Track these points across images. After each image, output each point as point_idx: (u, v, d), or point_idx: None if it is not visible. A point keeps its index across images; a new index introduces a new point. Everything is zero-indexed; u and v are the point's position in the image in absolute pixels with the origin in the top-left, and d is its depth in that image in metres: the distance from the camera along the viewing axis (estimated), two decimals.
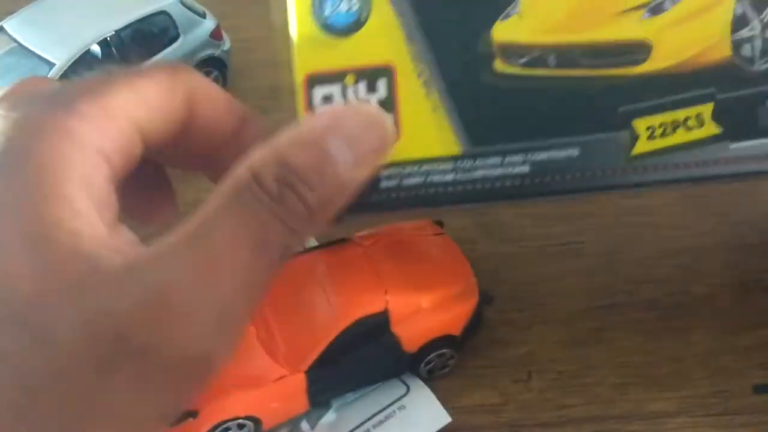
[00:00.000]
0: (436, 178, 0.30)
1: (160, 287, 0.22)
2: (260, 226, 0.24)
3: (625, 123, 0.30)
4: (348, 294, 0.33)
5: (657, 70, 0.29)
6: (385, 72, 0.30)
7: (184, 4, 0.44)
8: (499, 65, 0.30)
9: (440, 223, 0.38)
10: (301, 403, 0.34)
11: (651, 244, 0.39)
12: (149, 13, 0.44)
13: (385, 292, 0.33)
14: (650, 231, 0.44)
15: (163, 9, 0.44)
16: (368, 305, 0.33)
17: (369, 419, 0.34)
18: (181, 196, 0.33)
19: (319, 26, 0.30)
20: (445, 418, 0.35)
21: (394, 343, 0.34)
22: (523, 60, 0.30)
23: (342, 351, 0.33)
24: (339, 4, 0.30)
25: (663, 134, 0.30)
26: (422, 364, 0.35)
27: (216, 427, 0.32)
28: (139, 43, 0.44)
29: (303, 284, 0.34)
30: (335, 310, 0.33)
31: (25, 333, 0.21)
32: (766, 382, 0.35)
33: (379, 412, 0.34)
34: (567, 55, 0.30)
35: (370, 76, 0.30)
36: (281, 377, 0.33)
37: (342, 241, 0.36)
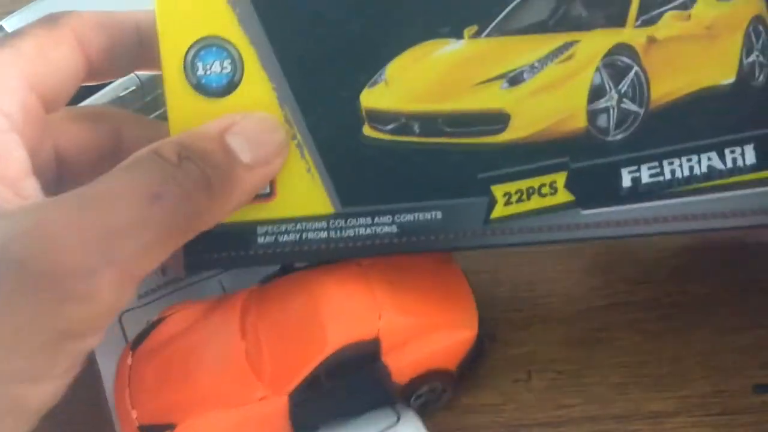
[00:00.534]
0: (311, 236, 0.32)
1: (43, 216, 0.25)
2: (153, 182, 0.26)
3: (484, 189, 0.31)
4: (339, 316, 0.32)
5: (515, 139, 0.31)
6: None
7: None
8: (368, 131, 0.31)
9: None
10: (283, 426, 0.32)
11: (650, 244, 0.40)
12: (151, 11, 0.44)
13: (379, 318, 0.31)
14: None
15: None
16: (359, 330, 0.31)
17: None
18: None
19: (191, 86, 0.31)
20: None
21: (384, 374, 0.32)
22: (389, 127, 0.31)
23: (328, 377, 0.31)
24: (212, 65, 0.31)
25: (519, 200, 0.31)
26: (413, 398, 0.34)
27: None
28: None
29: (297, 301, 0.33)
30: (324, 333, 0.31)
31: None
32: (765, 382, 0.36)
33: None
34: (431, 123, 0.31)
35: None
36: (264, 398, 0.31)
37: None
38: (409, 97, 0.31)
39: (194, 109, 0.32)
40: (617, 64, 0.30)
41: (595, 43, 0.30)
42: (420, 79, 0.31)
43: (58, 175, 0.33)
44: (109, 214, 0.25)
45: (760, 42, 0.30)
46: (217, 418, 0.31)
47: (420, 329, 0.33)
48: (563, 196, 0.31)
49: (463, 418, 0.36)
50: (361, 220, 0.32)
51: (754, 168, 0.30)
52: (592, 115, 0.30)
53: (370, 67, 0.31)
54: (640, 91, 0.30)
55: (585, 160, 0.31)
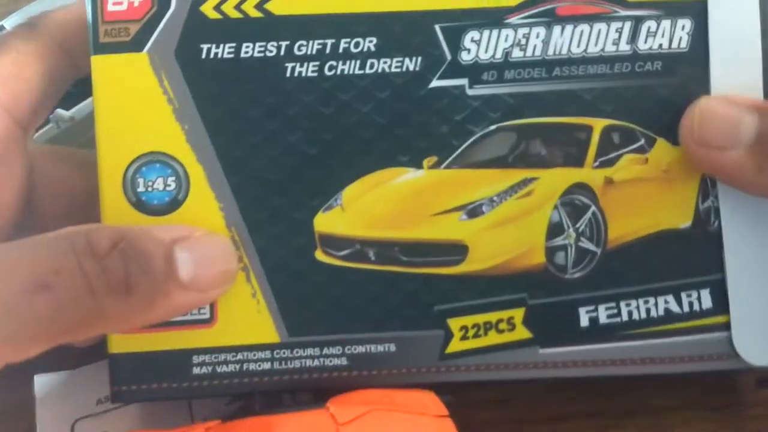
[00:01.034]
0: (253, 367, 0.30)
1: None
2: (44, 269, 0.24)
3: (440, 322, 0.30)
4: None
5: (472, 272, 0.30)
6: None
7: None
8: (320, 256, 0.30)
9: (448, 402, 0.29)
10: None
11: None
12: None
13: None
14: None
15: None
16: None
17: None
18: None
19: (130, 202, 0.29)
20: None
21: None
22: (343, 252, 0.30)
23: None
24: (154, 182, 0.29)
25: (476, 335, 0.30)
26: None
27: None
28: None
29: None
30: None
31: None
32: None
33: None
34: (386, 250, 0.30)
35: None
36: None
37: (310, 404, 0.28)
38: (365, 224, 0.30)
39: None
40: (575, 203, 0.30)
41: (553, 181, 0.30)
42: (377, 206, 0.30)
43: (28, 210, 0.31)
44: None
45: (716, 187, 0.30)
46: None
47: None
48: (521, 333, 0.30)
49: (470, 413, 0.33)
50: (309, 351, 0.30)
51: (711, 312, 0.30)
52: (550, 252, 0.30)
53: (325, 191, 0.30)
54: (597, 230, 0.30)
55: (543, 297, 0.30)
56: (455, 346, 0.30)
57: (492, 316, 0.30)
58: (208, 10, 0.29)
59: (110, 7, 0.29)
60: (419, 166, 0.30)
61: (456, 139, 0.30)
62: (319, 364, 0.30)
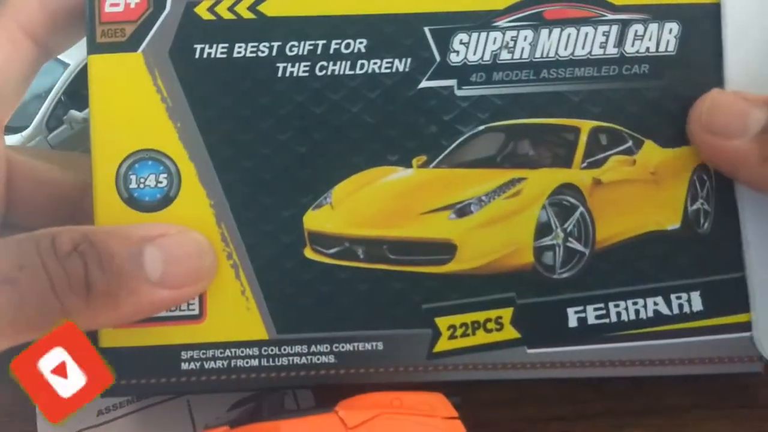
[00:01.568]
0: (241, 363, 0.30)
1: None
2: (11, 264, 0.24)
3: (429, 321, 0.30)
4: None
5: (461, 271, 0.30)
6: None
7: None
8: (309, 253, 0.30)
9: (457, 403, 0.28)
10: None
11: None
12: None
13: None
14: None
15: None
16: None
17: None
18: None
19: (122, 198, 0.30)
20: None
21: None
22: (332, 250, 0.30)
23: None
24: (146, 179, 0.30)
25: (464, 334, 0.30)
26: None
27: None
28: None
29: None
30: None
31: None
32: None
33: None
34: (375, 249, 0.30)
35: None
36: None
37: (320, 409, 0.27)
38: (355, 222, 0.30)
39: (123, 222, 0.30)
40: (563, 203, 0.30)
41: (541, 181, 0.30)
42: (366, 204, 0.30)
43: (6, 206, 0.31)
44: None
45: (705, 190, 0.30)
46: None
47: None
48: (509, 333, 0.30)
49: (482, 413, 0.34)
50: (297, 349, 0.30)
51: (701, 315, 0.30)
52: (539, 252, 0.30)
53: (315, 189, 0.30)
54: (585, 231, 0.30)
55: (531, 297, 0.30)
56: (443, 345, 0.30)
57: (480, 316, 0.30)
58: (202, 11, 0.30)
59: (107, 9, 0.30)
60: (408, 165, 0.30)
61: (445, 139, 0.30)
62: (307, 362, 0.30)
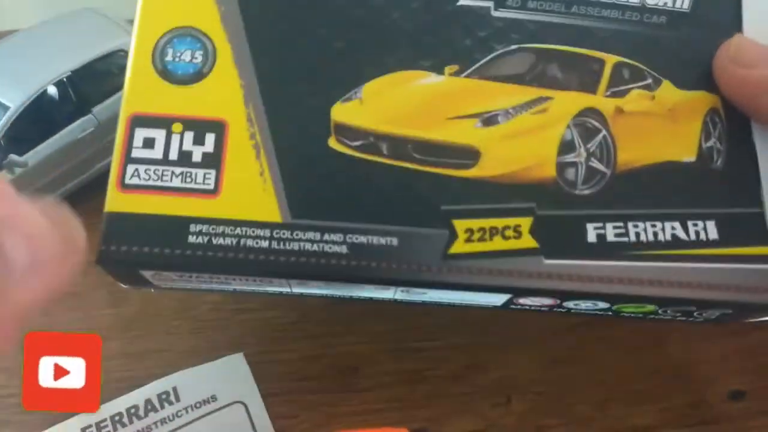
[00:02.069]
0: (250, 243, 0.28)
1: None
2: None
3: (446, 222, 0.29)
4: None
5: (483, 177, 0.30)
6: (217, 127, 0.29)
7: None
8: (333, 143, 0.30)
9: None
10: None
11: None
12: (107, 52, 0.41)
13: None
14: None
15: (121, 47, 0.41)
16: None
17: None
18: None
19: (156, 70, 0.30)
20: None
21: None
22: (357, 143, 0.30)
23: None
24: (182, 53, 0.30)
25: (481, 239, 0.29)
26: None
27: None
28: (96, 82, 0.42)
29: None
30: None
31: None
32: (740, 389, 0.36)
33: None
34: (400, 146, 0.30)
35: (200, 128, 0.29)
36: None
37: None
38: (382, 119, 0.30)
39: (153, 92, 0.30)
40: (587, 125, 0.31)
41: (567, 102, 0.31)
42: (395, 104, 0.30)
43: None
44: None
45: (717, 131, 0.31)
46: None
47: None
48: (527, 242, 0.29)
49: None
50: (309, 235, 0.29)
51: (717, 243, 0.30)
52: (561, 168, 0.30)
53: (346, 84, 0.30)
54: (607, 153, 0.31)
55: (551, 209, 0.30)
56: (459, 247, 0.29)
57: (498, 222, 0.29)
58: None
59: None
60: (441, 73, 0.31)
61: (478, 53, 0.31)
62: (318, 250, 0.29)
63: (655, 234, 0.30)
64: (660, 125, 0.31)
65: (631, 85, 0.32)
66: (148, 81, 0.30)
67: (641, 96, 0.31)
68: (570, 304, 0.31)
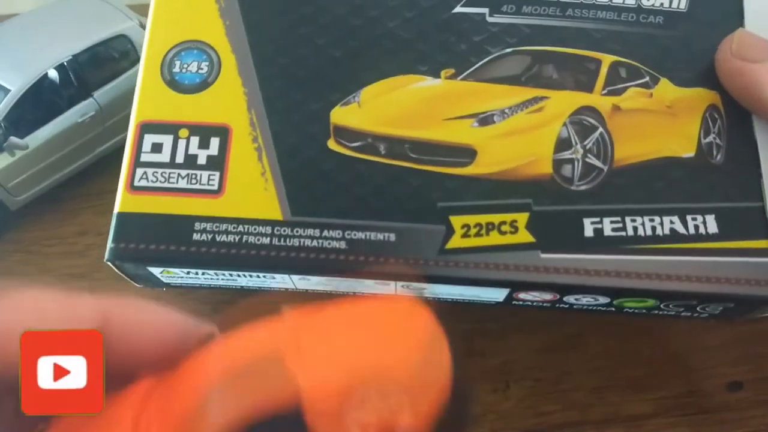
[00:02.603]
0: (252, 240, 0.29)
1: None
2: None
3: (443, 218, 0.30)
4: (241, 383, 0.21)
5: (479, 175, 0.30)
6: (221, 131, 0.31)
7: (143, 27, 0.42)
8: (332, 144, 0.31)
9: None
10: None
11: None
12: (108, 37, 0.41)
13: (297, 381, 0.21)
14: None
15: (122, 32, 0.41)
16: (269, 399, 0.21)
17: None
18: None
19: (164, 80, 0.31)
20: None
21: None
22: (355, 144, 0.31)
23: None
24: (189, 64, 0.32)
25: (477, 234, 0.30)
26: None
27: None
28: (97, 67, 0.42)
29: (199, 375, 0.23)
30: (224, 410, 0.21)
31: None
32: (738, 380, 0.36)
33: None
34: (397, 146, 0.31)
35: (205, 133, 0.31)
36: None
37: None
38: (380, 121, 0.31)
39: (161, 100, 0.31)
40: (583, 122, 0.31)
41: (563, 101, 0.31)
42: (393, 106, 0.31)
43: None
44: None
45: (716, 126, 0.31)
46: None
47: (361, 388, 0.21)
48: (523, 237, 0.30)
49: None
50: (309, 232, 0.30)
51: (716, 237, 0.30)
52: (557, 164, 0.31)
53: (345, 88, 0.31)
54: (604, 149, 0.31)
55: (548, 205, 0.30)
56: (456, 242, 0.29)
57: (495, 218, 0.30)
58: None
59: None
60: (437, 76, 0.32)
61: (473, 57, 0.32)
62: (318, 245, 0.29)
63: (653, 228, 0.30)
64: (658, 121, 0.31)
65: (628, 84, 0.32)
66: (157, 91, 0.31)
67: (639, 93, 0.32)
68: (570, 299, 0.31)
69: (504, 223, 0.30)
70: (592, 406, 0.36)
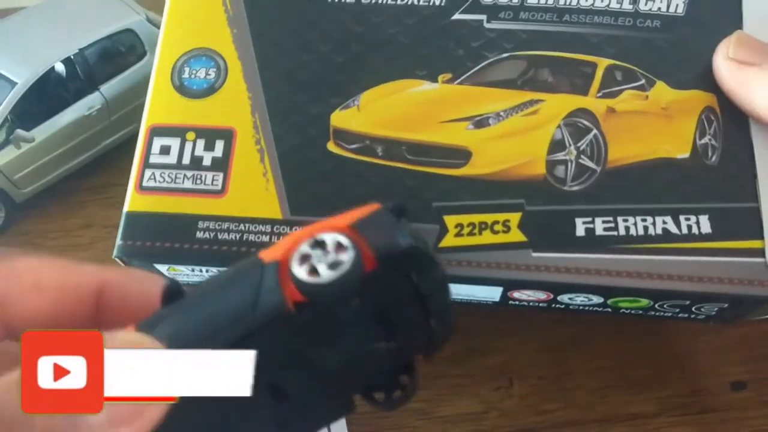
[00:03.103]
0: (252, 238, 0.31)
1: None
2: None
3: (437, 217, 0.30)
4: None
5: (474, 175, 0.31)
6: (226, 134, 0.32)
7: (150, 22, 0.44)
8: (331, 146, 0.32)
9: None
10: None
11: None
12: (115, 31, 0.42)
13: None
14: None
15: (129, 27, 0.42)
16: None
17: None
18: None
19: (174, 86, 0.33)
20: None
21: None
22: (353, 146, 0.32)
23: None
24: (197, 71, 0.33)
25: (470, 233, 0.30)
26: None
27: None
28: (104, 61, 0.42)
29: None
30: None
31: None
32: (741, 379, 0.36)
33: None
34: (394, 148, 0.32)
35: (211, 136, 0.32)
36: None
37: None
38: (378, 123, 0.32)
39: (170, 105, 0.33)
40: (578, 124, 0.32)
41: (558, 104, 0.32)
42: (391, 110, 0.32)
43: None
44: None
45: (712, 128, 0.31)
46: None
47: None
48: (516, 236, 0.30)
49: (446, 428, 0.35)
50: None
51: (710, 237, 0.30)
52: (551, 165, 0.31)
53: (345, 93, 0.33)
54: (597, 151, 0.31)
55: (540, 205, 0.30)
56: (449, 241, 0.30)
57: (488, 218, 0.30)
58: None
59: None
60: (434, 81, 0.33)
61: (471, 62, 0.33)
62: None
63: (646, 228, 0.30)
64: (653, 123, 0.32)
65: (623, 86, 0.32)
66: (167, 96, 0.33)
67: (634, 96, 0.32)
68: (564, 299, 0.31)
69: (497, 222, 0.30)
70: (595, 405, 0.36)
